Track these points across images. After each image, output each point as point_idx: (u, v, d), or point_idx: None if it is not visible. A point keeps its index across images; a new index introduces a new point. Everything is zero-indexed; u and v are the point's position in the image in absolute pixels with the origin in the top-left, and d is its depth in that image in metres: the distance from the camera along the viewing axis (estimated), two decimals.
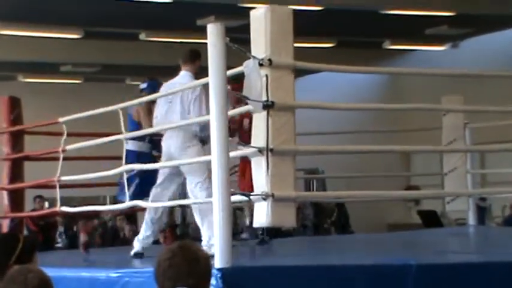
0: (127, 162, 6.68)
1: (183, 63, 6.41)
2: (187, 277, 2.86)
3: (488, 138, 11.29)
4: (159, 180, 6.34)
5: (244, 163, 6.82)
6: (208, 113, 4.71)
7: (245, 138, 6.27)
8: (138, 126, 6.96)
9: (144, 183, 6.65)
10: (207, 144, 5.78)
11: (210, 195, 4.77)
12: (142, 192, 6.58)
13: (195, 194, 6.04)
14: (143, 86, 7.16)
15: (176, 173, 6.27)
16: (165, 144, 6.29)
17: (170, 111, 6.25)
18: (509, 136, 11.41)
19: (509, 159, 13.08)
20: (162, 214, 6.40)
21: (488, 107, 6.80)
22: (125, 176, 6.58)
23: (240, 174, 7.19)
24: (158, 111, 6.38)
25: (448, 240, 8.61)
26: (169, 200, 6.29)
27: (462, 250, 7.22)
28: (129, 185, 6.53)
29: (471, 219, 9.18)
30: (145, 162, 6.62)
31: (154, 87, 6.84)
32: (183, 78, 6.34)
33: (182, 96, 6.16)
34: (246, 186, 6.28)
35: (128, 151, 6.85)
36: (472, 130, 8.93)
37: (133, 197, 6.48)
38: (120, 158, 6.81)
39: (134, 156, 6.86)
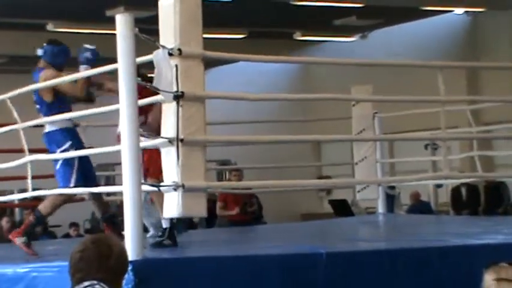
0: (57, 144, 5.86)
1: None
2: (96, 271, 2.84)
3: (397, 128, 11.55)
4: None
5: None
6: None
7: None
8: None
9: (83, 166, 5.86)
10: None
11: None
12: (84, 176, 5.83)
13: None
14: (40, 52, 6.19)
15: None
16: None
17: None
18: (416, 126, 11.67)
19: (416, 149, 13.39)
20: None
21: (395, 96, 6.91)
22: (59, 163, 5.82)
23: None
24: None
25: (358, 228, 8.75)
26: None
27: (371, 238, 7.36)
28: (70, 171, 5.79)
29: (381, 208, 9.34)
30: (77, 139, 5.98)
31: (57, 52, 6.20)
32: None
33: None
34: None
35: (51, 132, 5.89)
36: (380, 120, 9.08)
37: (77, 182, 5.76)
38: (16, 151, 6.41)
39: (65, 134, 5.91)
